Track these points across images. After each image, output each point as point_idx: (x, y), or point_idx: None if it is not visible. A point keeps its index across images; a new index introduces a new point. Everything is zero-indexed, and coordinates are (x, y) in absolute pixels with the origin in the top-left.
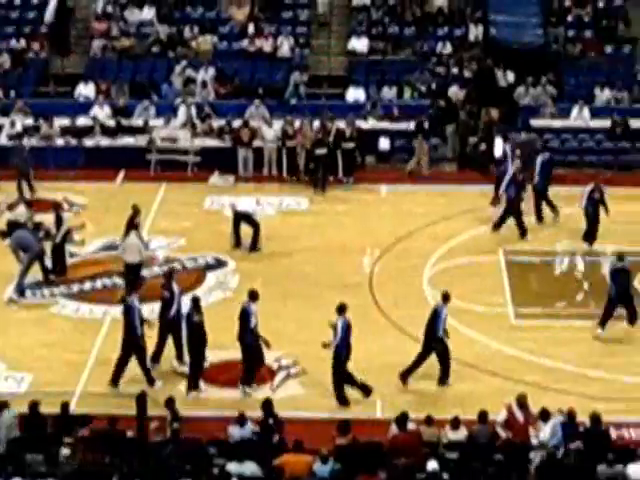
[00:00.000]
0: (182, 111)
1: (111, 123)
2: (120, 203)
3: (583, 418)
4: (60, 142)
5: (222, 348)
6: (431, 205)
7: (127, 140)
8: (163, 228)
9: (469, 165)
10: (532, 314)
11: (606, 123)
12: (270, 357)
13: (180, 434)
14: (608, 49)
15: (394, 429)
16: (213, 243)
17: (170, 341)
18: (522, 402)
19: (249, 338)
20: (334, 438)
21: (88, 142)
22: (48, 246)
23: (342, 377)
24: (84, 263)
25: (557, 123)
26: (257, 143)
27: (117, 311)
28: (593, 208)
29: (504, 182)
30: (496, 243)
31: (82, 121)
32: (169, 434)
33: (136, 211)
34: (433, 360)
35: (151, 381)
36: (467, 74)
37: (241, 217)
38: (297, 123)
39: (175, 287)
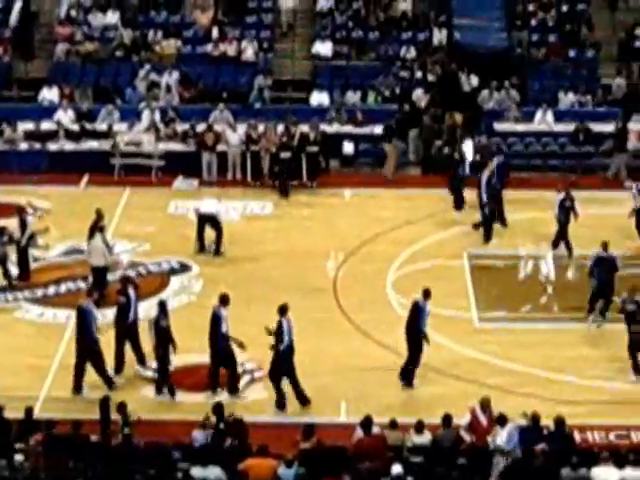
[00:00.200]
0: (146, 115)
1: (75, 127)
2: (84, 207)
3: (547, 422)
4: (24, 146)
5: (187, 352)
6: (395, 209)
7: (91, 144)
8: (127, 232)
9: (433, 169)
10: (496, 317)
11: (570, 127)
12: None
13: (132, 439)
14: (572, 53)
15: (359, 433)
16: (177, 247)
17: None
18: (485, 406)
19: (220, 342)
20: (298, 442)
21: (52, 146)
22: (12, 250)
23: (284, 376)
24: (48, 267)
25: (521, 127)
26: (221, 147)
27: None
28: (565, 216)
29: (483, 189)
30: (460, 247)
31: (46, 125)
32: (120, 439)
33: (99, 216)
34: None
35: (110, 384)
36: (431, 78)
37: (205, 219)
38: (261, 127)
39: (131, 292)
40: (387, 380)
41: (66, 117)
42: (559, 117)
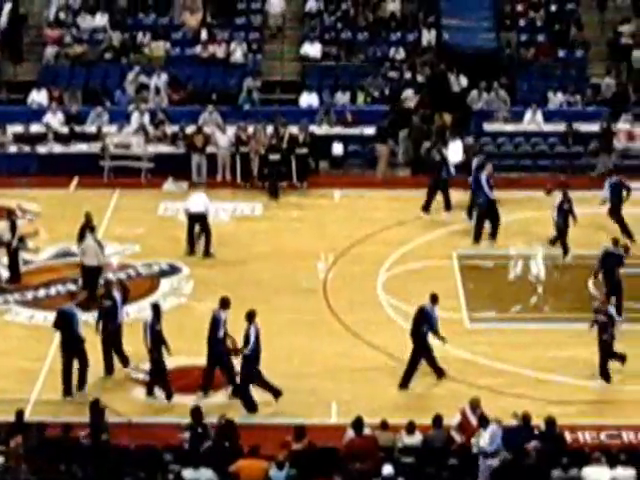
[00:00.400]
0: (135, 117)
1: (64, 130)
2: (74, 210)
3: (538, 422)
4: (13, 149)
5: (177, 354)
6: (385, 210)
7: (80, 147)
8: (117, 234)
9: (423, 170)
10: (486, 318)
11: (559, 127)
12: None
13: (109, 444)
14: (561, 53)
15: (350, 434)
16: (167, 249)
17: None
18: (475, 406)
19: (217, 346)
20: (289, 443)
21: (41, 149)
22: (2, 253)
23: (251, 382)
24: (38, 270)
25: (510, 127)
26: (211, 149)
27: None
28: (563, 219)
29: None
30: (450, 247)
31: (35, 128)
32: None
33: (88, 219)
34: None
35: (69, 391)
36: (420, 79)
37: (195, 219)
38: (250, 129)
39: (117, 295)
40: (378, 381)
41: (55, 120)
42: (548, 117)
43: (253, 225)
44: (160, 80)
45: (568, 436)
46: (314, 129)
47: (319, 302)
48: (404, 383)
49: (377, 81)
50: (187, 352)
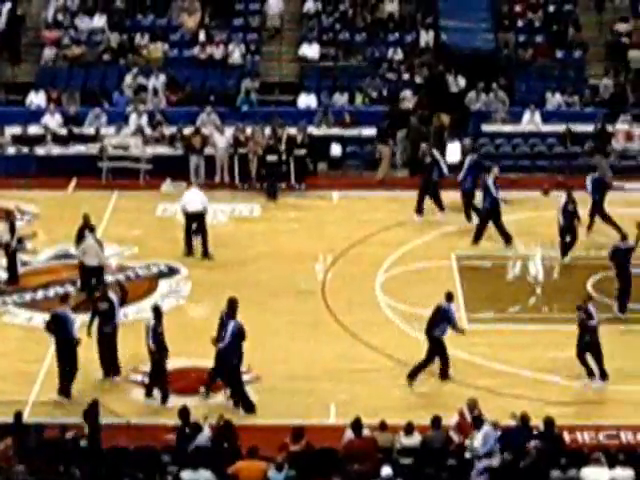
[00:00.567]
0: (133, 119)
1: (62, 131)
2: (72, 211)
3: (537, 422)
4: (11, 150)
5: (176, 356)
6: (383, 211)
7: (79, 148)
8: (115, 236)
9: (420, 171)
10: (485, 319)
11: (557, 128)
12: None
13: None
14: (559, 54)
15: (349, 434)
16: (165, 250)
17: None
18: (472, 406)
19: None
20: (288, 445)
21: (40, 150)
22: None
23: (238, 382)
24: (36, 272)
25: (508, 128)
26: (209, 150)
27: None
28: (569, 221)
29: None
30: (448, 248)
31: (33, 129)
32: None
33: (86, 221)
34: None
35: (68, 394)
36: (418, 80)
37: (193, 218)
38: (249, 130)
39: (114, 297)
40: (376, 382)
41: (53, 121)
42: (547, 118)
43: (251, 226)
44: (158, 81)
45: (567, 436)
46: (312, 130)
47: (317, 303)
48: (412, 375)
49: (375, 82)
50: (185, 354)
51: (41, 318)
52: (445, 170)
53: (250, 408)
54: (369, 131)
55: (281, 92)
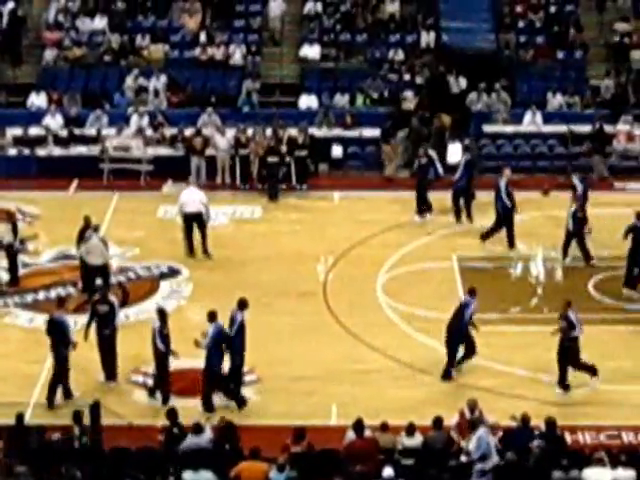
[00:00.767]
0: (134, 120)
1: (63, 133)
2: (73, 212)
3: (538, 423)
4: (12, 152)
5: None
6: (384, 212)
7: (80, 149)
8: (117, 237)
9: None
10: (486, 320)
11: (558, 128)
12: (225, 366)
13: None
14: (560, 54)
15: (350, 435)
16: (167, 252)
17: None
18: (473, 407)
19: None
20: (289, 445)
21: (41, 152)
22: (1, 256)
23: (215, 383)
24: (38, 273)
25: (510, 129)
26: (210, 151)
27: (71, 320)
28: (579, 227)
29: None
30: (450, 249)
31: (34, 131)
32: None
33: (87, 222)
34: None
35: (51, 403)
36: (419, 80)
37: (192, 219)
38: (250, 131)
39: (114, 300)
40: (378, 383)
41: (55, 122)
42: (548, 119)
43: (253, 227)
44: (159, 82)
45: (568, 437)
46: (313, 131)
47: (319, 304)
48: (446, 376)
49: (376, 83)
50: (186, 355)
51: (42, 319)
52: (441, 170)
53: (210, 408)
54: (370, 132)
55: (282, 93)
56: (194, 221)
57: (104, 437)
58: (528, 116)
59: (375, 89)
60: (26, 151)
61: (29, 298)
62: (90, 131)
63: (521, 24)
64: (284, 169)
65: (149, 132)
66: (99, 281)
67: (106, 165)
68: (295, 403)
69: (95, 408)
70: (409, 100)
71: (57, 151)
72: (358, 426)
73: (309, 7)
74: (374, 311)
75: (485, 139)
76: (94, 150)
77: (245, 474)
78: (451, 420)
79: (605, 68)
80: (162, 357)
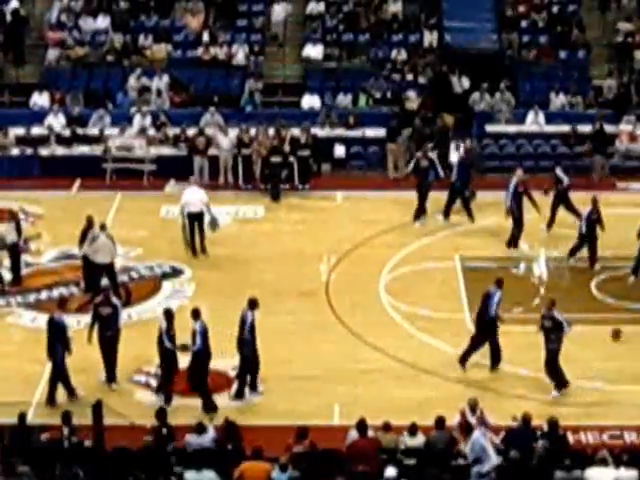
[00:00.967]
0: (137, 120)
1: (66, 132)
2: (76, 212)
3: (540, 423)
4: (15, 151)
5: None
6: (387, 212)
7: (82, 149)
8: (119, 237)
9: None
10: None
11: (561, 128)
12: (228, 365)
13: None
14: (563, 54)
15: (352, 435)
16: (169, 251)
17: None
18: (474, 407)
19: (245, 348)
20: (292, 445)
21: (43, 151)
22: (4, 256)
23: (205, 382)
24: (40, 272)
25: (512, 129)
26: (213, 151)
27: (73, 320)
28: (592, 230)
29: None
30: (452, 249)
31: (37, 130)
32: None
33: (90, 222)
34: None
35: (52, 402)
36: (422, 80)
37: (194, 218)
38: (252, 131)
39: (117, 303)
40: (380, 382)
41: (57, 122)
42: (550, 119)
43: (255, 227)
44: (162, 82)
45: (570, 437)
46: (316, 131)
47: (321, 304)
48: (463, 359)
49: (379, 83)
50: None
51: (44, 319)
52: (441, 172)
53: (213, 409)
54: (373, 132)
55: (285, 93)
56: (196, 221)
57: (106, 437)
58: (531, 116)
59: (378, 89)
60: (29, 151)
61: (32, 298)
62: (93, 131)
63: (524, 24)
64: (287, 169)
65: (152, 132)
66: (105, 281)
67: (109, 165)
68: (297, 403)
69: (97, 408)
70: (412, 100)
71: (60, 151)
72: (361, 426)
73: (312, 7)
74: (377, 311)
75: (488, 139)
76: (97, 150)
77: (248, 474)
78: (453, 420)
79: (608, 68)
80: (168, 357)
